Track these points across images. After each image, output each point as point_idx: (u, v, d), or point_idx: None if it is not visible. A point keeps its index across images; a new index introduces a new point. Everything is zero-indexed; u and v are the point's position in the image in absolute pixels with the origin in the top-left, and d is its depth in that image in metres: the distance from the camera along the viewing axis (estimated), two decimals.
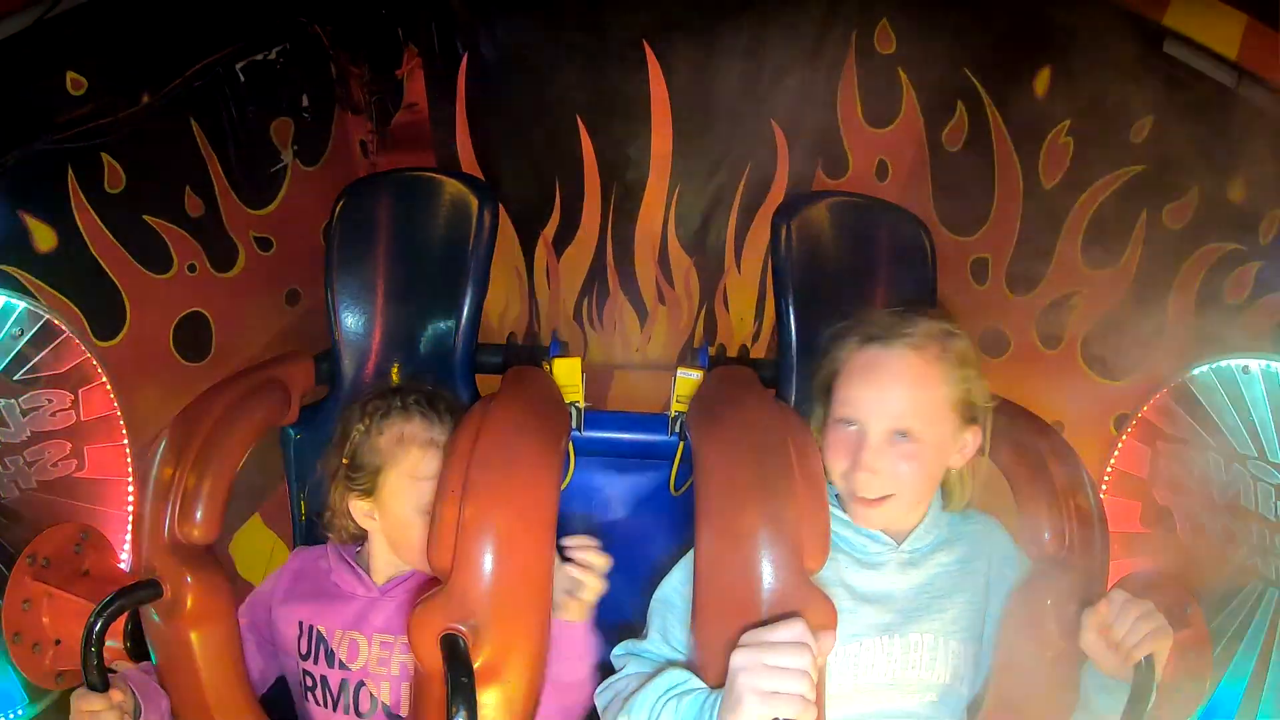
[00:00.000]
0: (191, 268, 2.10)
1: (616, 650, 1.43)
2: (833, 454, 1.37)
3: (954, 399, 1.36)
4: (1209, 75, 1.77)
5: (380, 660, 1.45)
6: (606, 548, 1.42)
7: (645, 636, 1.40)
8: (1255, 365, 1.64)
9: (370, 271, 1.93)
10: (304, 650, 1.48)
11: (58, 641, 1.66)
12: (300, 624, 1.48)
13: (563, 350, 1.96)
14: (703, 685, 1.18)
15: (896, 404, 1.33)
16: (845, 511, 1.41)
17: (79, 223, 1.82)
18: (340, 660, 1.46)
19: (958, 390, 1.36)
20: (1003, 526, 1.51)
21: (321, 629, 1.47)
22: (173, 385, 1.97)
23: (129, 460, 1.85)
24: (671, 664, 1.28)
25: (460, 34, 2.65)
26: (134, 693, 1.35)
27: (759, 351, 2.92)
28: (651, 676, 1.23)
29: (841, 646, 1.33)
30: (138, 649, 1.52)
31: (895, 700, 1.38)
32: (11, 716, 1.68)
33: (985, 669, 1.44)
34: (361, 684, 1.45)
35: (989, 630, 1.44)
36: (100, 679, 1.30)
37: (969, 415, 1.39)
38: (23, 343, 1.70)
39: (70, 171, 1.80)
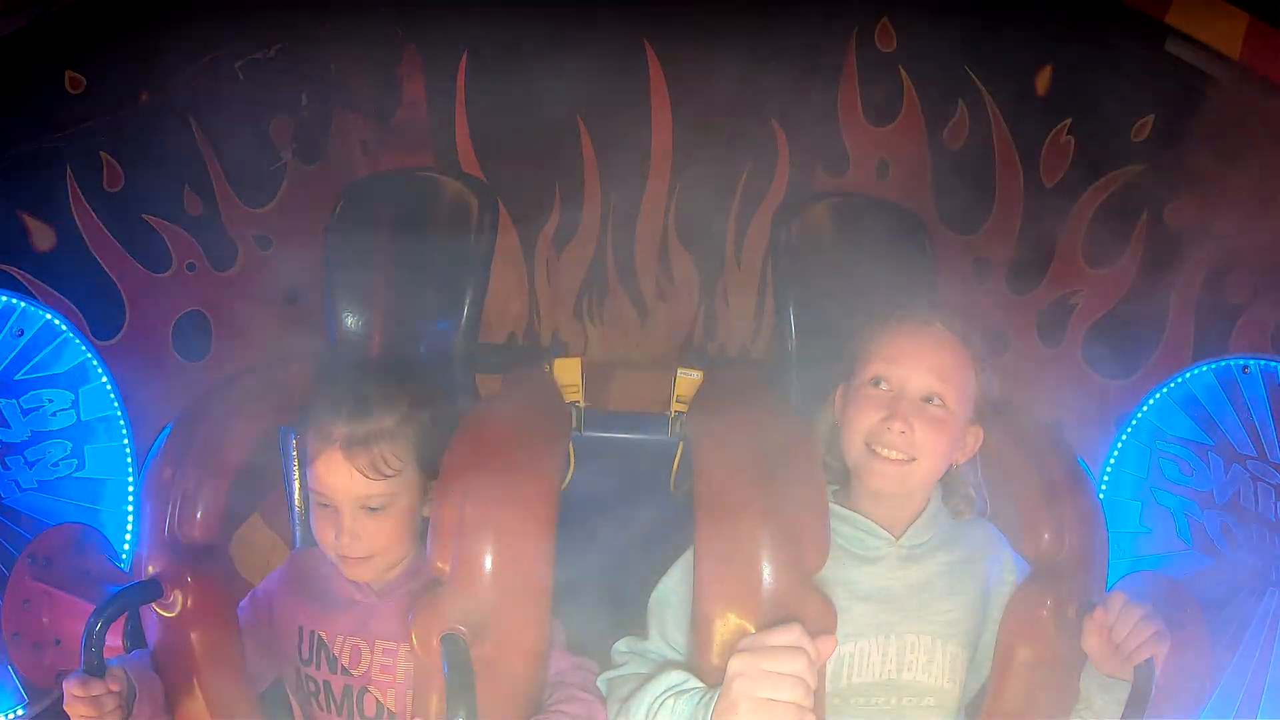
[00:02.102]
0: (191, 266, 2.09)
1: (619, 645, 1.43)
2: (860, 412, 1.37)
3: (973, 390, 1.39)
4: (1211, 74, 1.77)
5: (383, 667, 1.44)
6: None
7: (646, 637, 1.40)
8: (1255, 365, 1.65)
9: (370, 271, 1.93)
10: (305, 655, 1.47)
11: (57, 641, 1.66)
12: (300, 629, 1.47)
13: (563, 351, 1.96)
14: (700, 685, 1.18)
15: (934, 364, 1.36)
16: (860, 481, 1.39)
17: (78, 222, 1.82)
18: (343, 666, 1.45)
19: (977, 382, 1.39)
20: (1000, 532, 1.50)
21: (322, 634, 1.46)
22: (173, 384, 1.97)
23: (129, 460, 1.85)
24: (671, 664, 1.28)
25: (460, 32, 2.64)
26: (129, 678, 1.34)
27: (759, 351, 2.92)
28: (651, 677, 1.23)
29: (838, 646, 1.32)
30: (137, 649, 1.52)
31: (890, 702, 1.37)
32: (11, 717, 1.68)
33: (982, 674, 1.44)
34: (365, 690, 1.44)
35: (986, 635, 1.43)
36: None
37: (977, 412, 1.41)
38: (23, 342, 1.70)
39: (69, 171, 1.79)
